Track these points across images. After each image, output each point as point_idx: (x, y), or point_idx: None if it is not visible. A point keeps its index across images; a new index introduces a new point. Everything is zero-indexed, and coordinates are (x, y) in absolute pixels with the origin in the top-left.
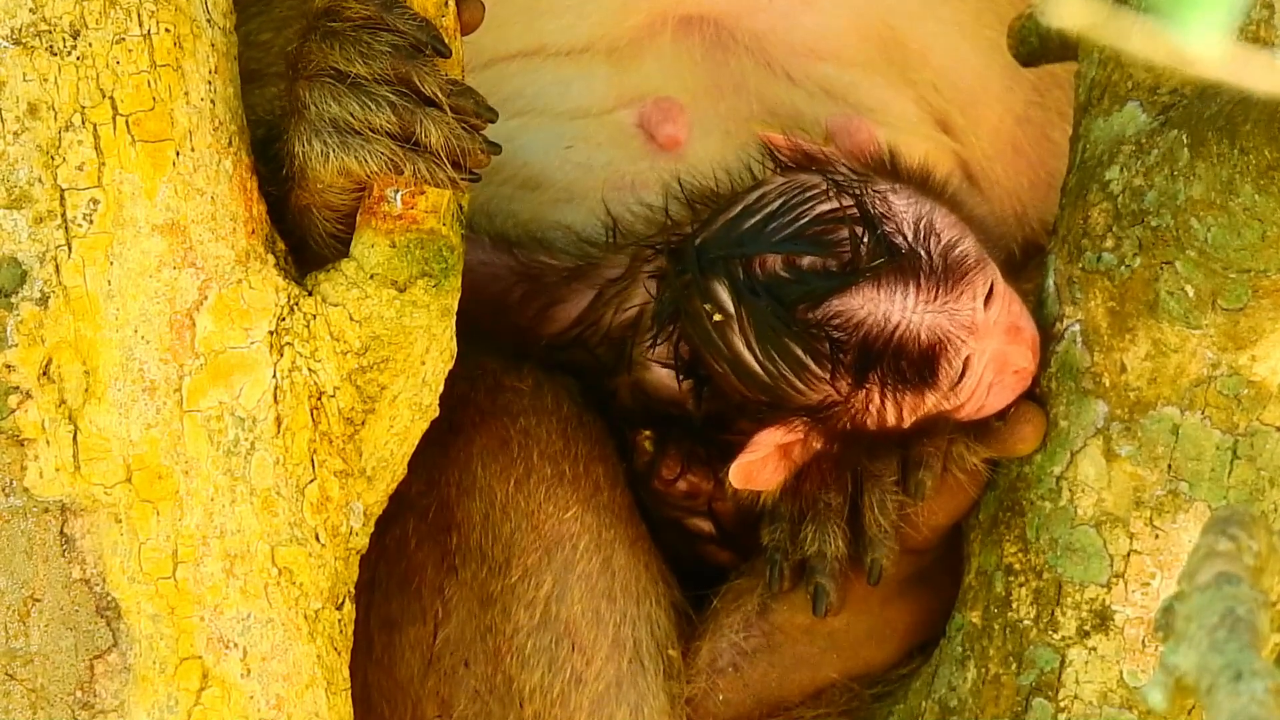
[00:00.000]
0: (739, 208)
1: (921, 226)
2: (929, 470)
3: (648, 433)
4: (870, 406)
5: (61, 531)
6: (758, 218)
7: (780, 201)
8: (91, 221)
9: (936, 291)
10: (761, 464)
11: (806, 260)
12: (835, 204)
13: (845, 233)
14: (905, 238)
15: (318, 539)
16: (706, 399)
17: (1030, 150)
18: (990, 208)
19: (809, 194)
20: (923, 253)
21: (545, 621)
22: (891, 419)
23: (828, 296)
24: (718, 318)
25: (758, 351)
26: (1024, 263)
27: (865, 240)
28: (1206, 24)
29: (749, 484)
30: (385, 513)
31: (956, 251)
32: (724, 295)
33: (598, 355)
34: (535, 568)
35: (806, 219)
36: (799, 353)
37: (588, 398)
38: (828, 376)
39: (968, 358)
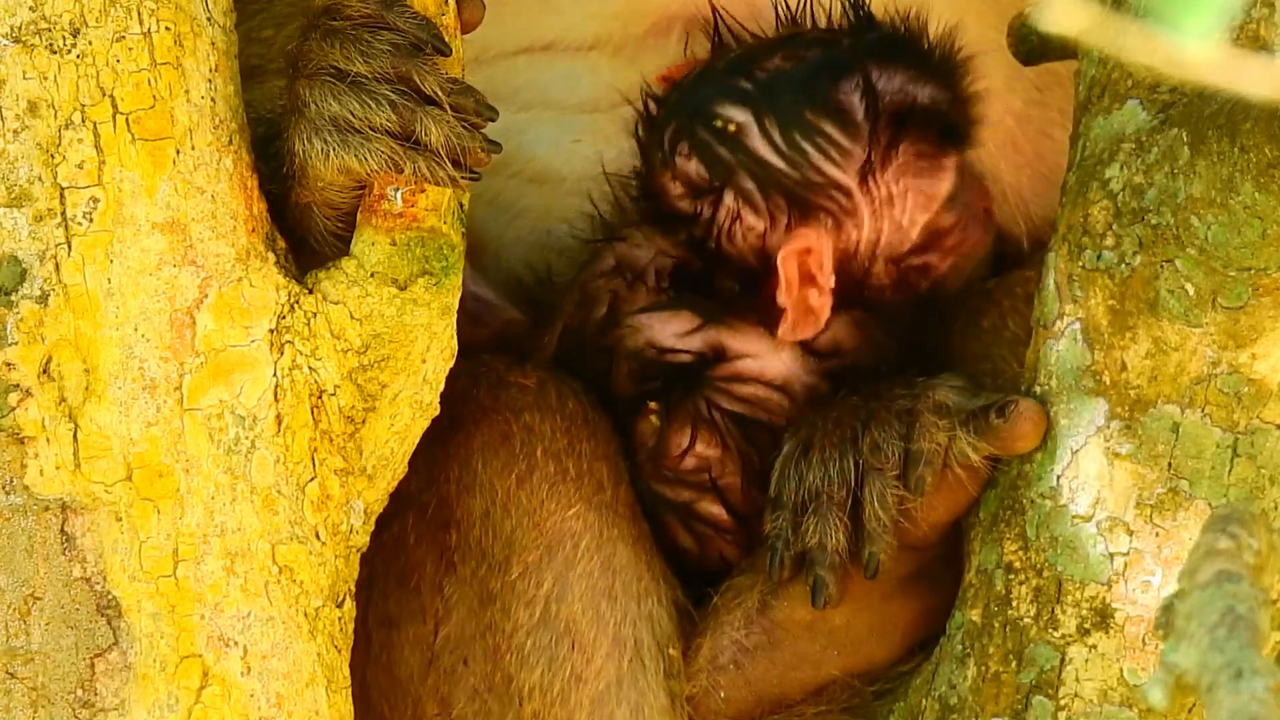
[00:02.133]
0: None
1: (913, 17)
2: (929, 466)
3: (654, 405)
4: (882, 201)
5: (62, 530)
6: (740, 53)
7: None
8: (91, 220)
9: (944, 73)
10: (800, 291)
11: (810, 51)
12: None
13: (842, 24)
14: (897, 22)
15: (318, 537)
16: (709, 266)
17: (1029, 148)
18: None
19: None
20: (922, 34)
21: (545, 620)
22: (901, 220)
23: (846, 66)
24: (732, 128)
25: (780, 141)
26: (1030, 256)
27: (862, 16)
28: (1202, 27)
29: (801, 322)
30: (385, 510)
31: (951, 39)
32: (731, 109)
33: (588, 349)
34: (536, 565)
35: (792, 34)
36: (825, 125)
37: (591, 397)
38: (857, 142)
39: (959, 168)
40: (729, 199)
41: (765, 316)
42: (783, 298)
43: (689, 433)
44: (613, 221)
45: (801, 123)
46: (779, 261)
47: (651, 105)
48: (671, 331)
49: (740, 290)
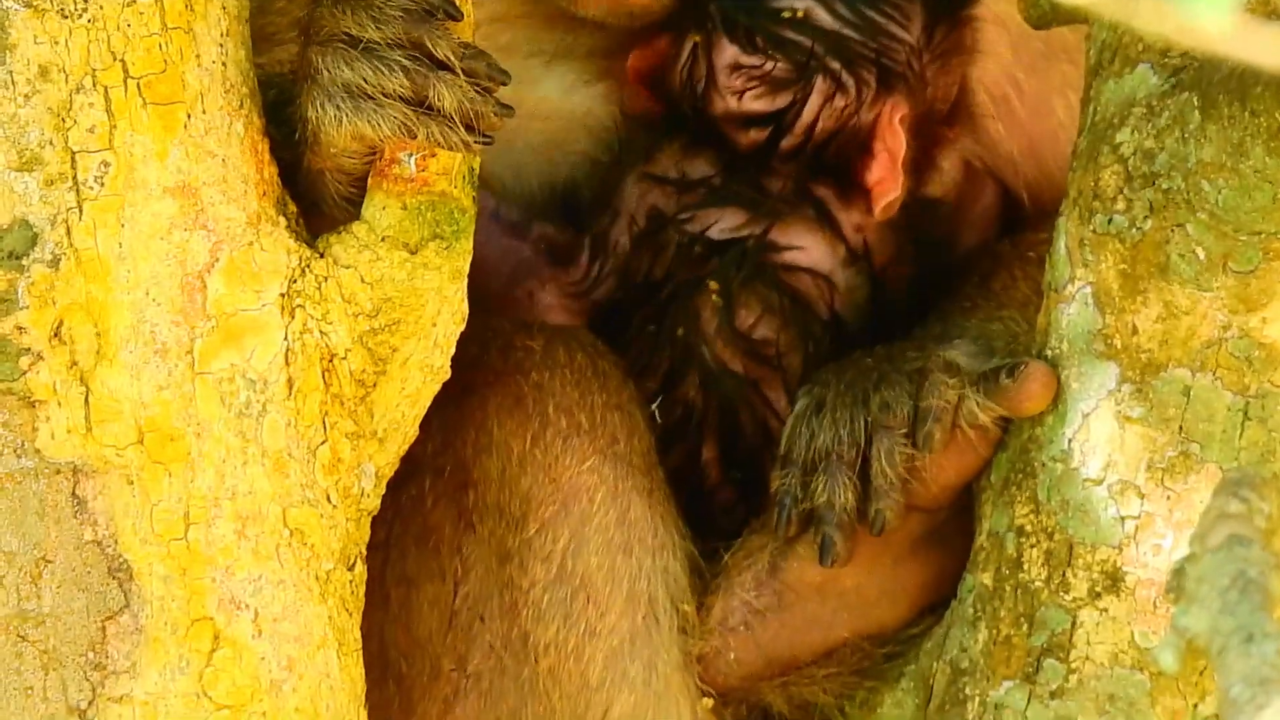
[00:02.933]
0: None
1: None
2: (938, 423)
3: (714, 284)
4: (941, 59)
5: (73, 493)
6: None
7: None
8: (103, 184)
9: None
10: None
11: None
12: None
13: None
14: None
15: (329, 500)
16: (757, 168)
17: (1025, 114)
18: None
19: None
20: None
21: (562, 575)
22: (951, 76)
23: None
24: (800, 13)
25: (849, 14)
26: (1034, 220)
27: None
28: None
29: (894, 194)
30: (400, 473)
31: None
32: None
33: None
34: (552, 521)
35: None
36: None
37: (602, 346)
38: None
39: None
40: (820, 82)
41: (841, 199)
42: (878, 170)
43: (755, 307)
44: (630, 152)
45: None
46: (885, 130)
47: (694, 27)
48: (721, 226)
49: (796, 184)
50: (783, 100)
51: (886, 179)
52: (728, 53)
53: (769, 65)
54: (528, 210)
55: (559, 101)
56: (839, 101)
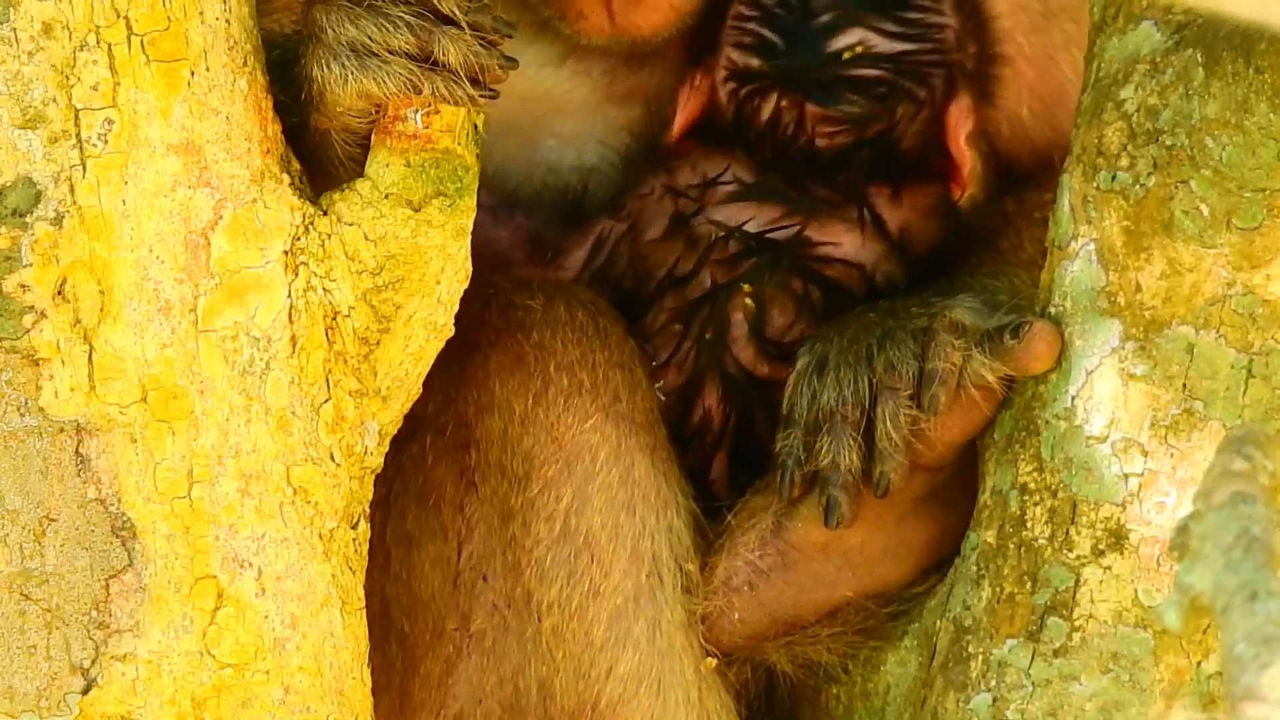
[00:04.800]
0: None
1: None
2: (943, 385)
3: (748, 287)
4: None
5: (77, 451)
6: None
7: None
8: (106, 141)
9: None
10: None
11: None
12: None
13: None
14: None
15: (333, 458)
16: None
17: (1031, 73)
18: None
19: None
20: None
21: (565, 534)
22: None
23: None
24: (859, 49)
25: (897, 27)
26: (1039, 179)
27: None
28: None
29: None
30: (401, 431)
31: None
32: (839, 38)
33: (624, 283)
34: (555, 480)
35: None
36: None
37: (603, 305)
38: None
39: None
40: (903, 107)
41: (894, 199)
42: (962, 173)
43: (790, 309)
44: (640, 152)
45: (895, 6)
46: (957, 139)
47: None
48: (758, 221)
49: (847, 187)
50: (874, 130)
51: (961, 176)
52: (811, 111)
53: (854, 110)
54: (508, 202)
55: (536, 78)
56: (921, 114)
